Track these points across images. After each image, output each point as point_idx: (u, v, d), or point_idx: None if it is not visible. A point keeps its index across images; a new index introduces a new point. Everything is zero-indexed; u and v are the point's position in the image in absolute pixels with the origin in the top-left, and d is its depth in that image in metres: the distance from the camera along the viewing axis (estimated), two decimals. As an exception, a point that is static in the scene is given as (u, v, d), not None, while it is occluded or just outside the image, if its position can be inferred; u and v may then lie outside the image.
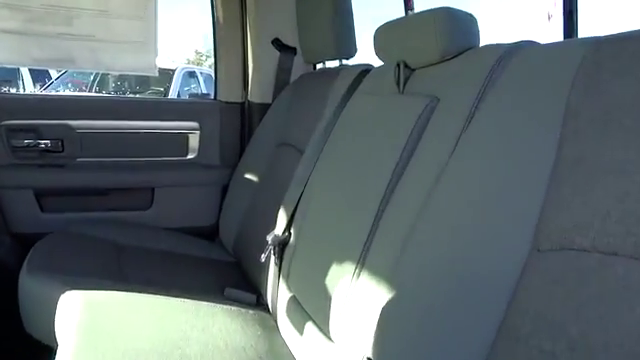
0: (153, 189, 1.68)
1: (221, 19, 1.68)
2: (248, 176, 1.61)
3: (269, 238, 1.09)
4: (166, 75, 6.75)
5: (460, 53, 0.83)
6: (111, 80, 7.02)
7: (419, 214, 0.69)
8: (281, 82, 1.67)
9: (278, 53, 1.68)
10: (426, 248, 0.66)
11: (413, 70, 0.92)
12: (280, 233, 1.11)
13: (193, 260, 1.48)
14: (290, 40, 1.67)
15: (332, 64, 1.50)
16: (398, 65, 0.91)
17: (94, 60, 1.58)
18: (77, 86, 6.85)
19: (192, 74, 7.33)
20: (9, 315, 1.43)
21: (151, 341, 0.88)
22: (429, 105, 0.80)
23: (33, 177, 1.57)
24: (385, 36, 0.98)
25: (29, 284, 1.10)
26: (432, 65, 0.87)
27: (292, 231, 1.09)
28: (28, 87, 6.71)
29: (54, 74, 8.24)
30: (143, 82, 6.74)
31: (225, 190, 1.73)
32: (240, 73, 1.75)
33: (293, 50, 1.67)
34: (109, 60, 1.60)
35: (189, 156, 1.75)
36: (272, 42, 1.65)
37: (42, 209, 1.59)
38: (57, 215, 1.60)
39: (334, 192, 0.95)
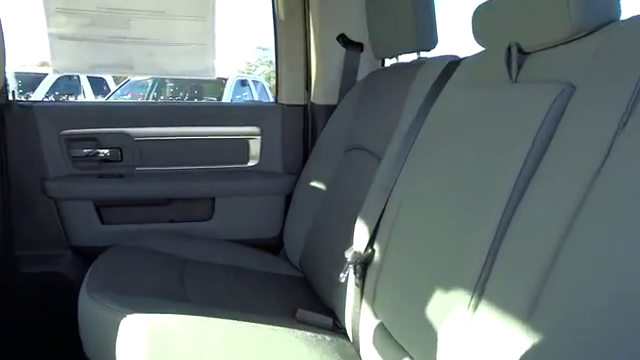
0: (214, 199, 1.59)
1: (282, 17, 1.57)
2: (314, 184, 1.48)
3: (348, 255, 0.96)
4: (219, 84, 6.82)
5: (597, 29, 0.66)
6: (167, 90, 7.17)
7: (567, 229, 0.53)
8: (347, 81, 1.54)
9: (344, 50, 1.55)
10: (584, 271, 0.51)
11: (527, 54, 0.76)
12: (362, 250, 0.97)
13: (258, 276, 1.37)
14: (356, 35, 1.53)
15: (404, 58, 1.35)
16: (509, 48, 0.75)
17: (152, 64, 1.51)
18: (135, 98, 7.03)
19: (244, 82, 7.36)
20: (69, 334, 1.37)
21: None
22: (562, 94, 0.63)
23: (93, 188, 1.51)
24: (489, 16, 0.82)
25: (89, 305, 1.02)
26: (555, 46, 0.71)
27: (375, 248, 0.95)
28: (89, 99, 6.95)
29: (112, 86, 8.53)
30: (197, 91, 6.82)
31: (289, 199, 1.62)
32: (302, 74, 1.63)
33: (360, 46, 1.53)
34: (167, 64, 1.52)
35: (250, 163, 1.65)
36: (337, 38, 1.53)
37: (102, 221, 1.53)
38: (117, 227, 1.54)
39: (432, 204, 0.80)
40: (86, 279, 1.12)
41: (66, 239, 1.52)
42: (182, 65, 1.53)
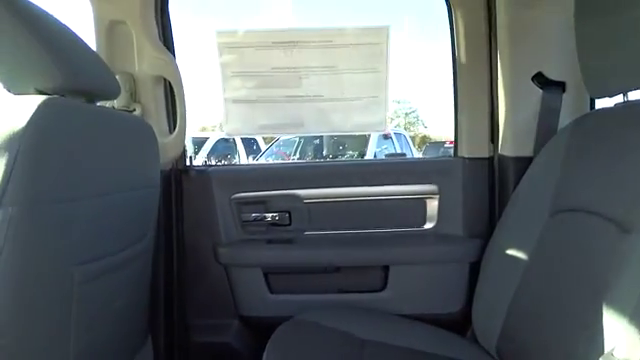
0: (387, 267, 1.41)
1: (464, 61, 1.39)
2: (511, 252, 1.22)
3: None
4: (362, 138, 6.85)
5: None
6: (310, 148, 7.41)
7: None
8: (546, 128, 1.29)
9: (540, 92, 1.31)
10: None
11: None
12: (622, 357, 0.70)
13: (449, 364, 1.14)
14: (554, 73, 1.29)
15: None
16: None
17: (323, 122, 1.43)
18: (280, 157, 7.38)
19: (386, 136, 7.32)
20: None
21: None
22: None
23: (262, 254, 1.44)
24: None
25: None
26: None
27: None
28: (242, 160, 7.46)
29: (263, 146, 9.12)
30: (341, 147, 6.93)
31: (473, 268, 1.37)
32: (486, 122, 1.42)
33: (562, 85, 1.28)
34: (338, 120, 1.43)
35: (427, 226, 1.45)
36: (532, 79, 1.30)
37: (270, 290, 1.44)
38: (284, 297, 1.44)
39: None
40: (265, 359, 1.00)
41: (235, 308, 1.46)
42: (354, 120, 1.42)
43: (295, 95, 1.41)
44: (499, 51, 1.34)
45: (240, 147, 8.69)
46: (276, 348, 1.07)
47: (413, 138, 13.34)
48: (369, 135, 6.75)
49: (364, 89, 1.41)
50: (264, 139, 9.87)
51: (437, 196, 1.44)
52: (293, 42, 1.38)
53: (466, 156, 1.45)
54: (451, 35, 1.41)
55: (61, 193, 0.81)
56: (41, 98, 0.79)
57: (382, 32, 1.38)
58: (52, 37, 0.87)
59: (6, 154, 0.72)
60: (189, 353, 1.44)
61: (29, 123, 0.74)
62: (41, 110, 0.77)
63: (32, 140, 0.74)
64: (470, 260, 1.39)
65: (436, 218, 1.44)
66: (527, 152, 1.32)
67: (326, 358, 1.05)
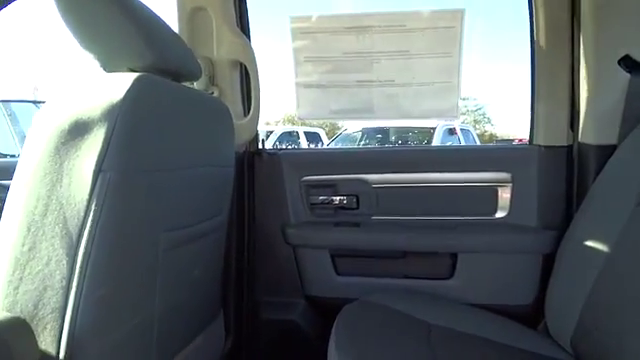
0: (455, 255, 1.40)
1: (544, 45, 1.34)
2: (590, 244, 1.17)
3: None
4: (426, 133, 6.75)
5: None
6: (372, 143, 7.39)
7: None
8: (634, 114, 1.22)
9: (627, 76, 1.23)
10: None
11: None
12: None
13: (519, 355, 1.11)
14: (644, 56, 1.21)
15: None
16: None
17: (393, 107, 1.43)
18: (344, 149, 7.39)
19: (452, 131, 7.16)
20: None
21: None
22: None
23: (329, 236, 1.46)
24: None
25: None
26: None
27: None
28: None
29: (325, 140, 9.19)
30: (403, 143, 6.85)
31: (547, 259, 1.33)
32: (566, 109, 1.36)
33: (651, 68, 1.21)
34: (409, 106, 1.42)
35: (498, 215, 1.41)
36: (619, 62, 1.23)
37: (336, 271, 1.46)
38: (350, 279, 1.45)
39: None
40: (334, 337, 1.02)
41: (301, 287, 1.49)
42: (424, 106, 1.41)
43: (366, 80, 1.42)
44: (582, 32, 1.27)
45: (303, 140, 8.83)
46: (343, 327, 1.09)
47: (480, 136, 12.94)
48: (433, 130, 6.64)
49: (436, 74, 1.39)
50: (327, 133, 9.93)
51: (510, 185, 1.40)
52: (365, 27, 1.38)
53: (542, 144, 1.39)
54: (530, 16, 1.36)
55: (150, 163, 0.87)
56: (135, 75, 0.85)
57: (457, 15, 1.35)
58: (144, 21, 0.94)
59: (106, 124, 0.79)
60: (257, 329, 1.49)
61: (125, 96, 0.81)
62: (136, 85, 0.83)
63: (128, 112, 0.80)
64: (544, 252, 1.34)
65: (508, 207, 1.40)
66: (611, 140, 1.25)
67: (393, 339, 1.06)
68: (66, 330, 0.79)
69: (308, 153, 1.73)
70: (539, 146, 1.40)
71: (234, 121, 1.24)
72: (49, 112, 0.83)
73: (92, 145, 0.79)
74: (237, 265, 1.45)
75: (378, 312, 1.19)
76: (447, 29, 1.35)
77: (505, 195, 1.40)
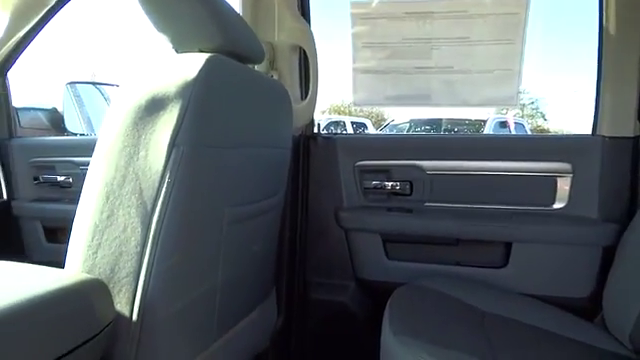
0: (510, 244, 1.38)
1: (612, 31, 1.29)
2: (654, 237, 1.14)
3: None
4: (477, 125, 6.60)
5: None
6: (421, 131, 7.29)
7: None
8: None
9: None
10: None
11: None
12: None
13: (575, 347, 1.09)
14: None
15: None
16: None
17: (451, 94, 1.42)
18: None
19: (503, 124, 6.97)
20: None
21: None
22: None
23: (381, 221, 1.48)
24: None
25: (394, 347, 0.92)
26: None
27: None
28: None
29: (372, 129, 9.14)
30: (454, 132, 6.74)
31: (607, 252, 1.29)
32: (634, 99, 1.31)
33: None
34: (467, 93, 1.41)
35: (556, 205, 1.39)
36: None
37: (387, 255, 1.48)
38: (401, 264, 1.47)
39: None
40: (388, 318, 1.04)
41: (352, 270, 1.52)
42: (483, 93, 1.39)
43: (424, 66, 1.42)
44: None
45: (349, 130, 8.82)
46: (397, 308, 1.11)
47: (533, 131, 12.50)
48: (485, 122, 6.48)
49: (496, 61, 1.37)
50: (373, 124, 9.87)
51: (570, 175, 1.36)
52: (426, 12, 1.38)
53: (606, 135, 1.35)
54: (599, 2, 1.31)
55: (217, 139, 0.92)
56: (206, 55, 0.89)
57: (521, 2, 1.32)
58: (214, 5, 0.97)
59: (180, 101, 0.83)
60: (307, 308, 1.53)
61: (198, 75, 0.85)
62: (207, 65, 0.87)
63: (200, 90, 0.85)
64: (604, 244, 1.31)
65: (567, 198, 1.37)
66: None
67: (446, 322, 1.07)
68: (139, 293, 0.85)
69: (363, 138, 1.75)
70: (603, 137, 1.35)
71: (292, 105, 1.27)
72: (128, 90, 0.88)
73: (167, 120, 0.83)
74: (290, 246, 1.49)
75: (431, 296, 1.20)
76: (511, 15, 1.33)
77: (564, 186, 1.37)
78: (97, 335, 0.80)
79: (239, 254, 1.07)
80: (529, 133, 7.22)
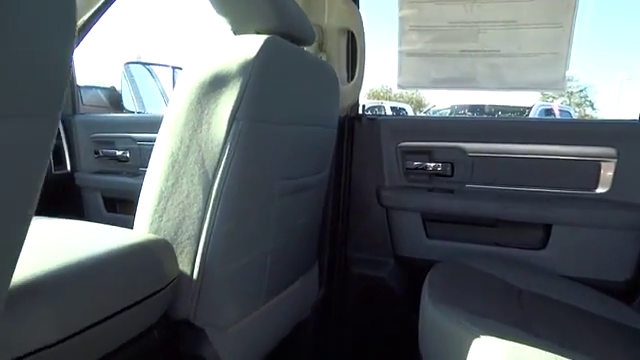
0: (550, 226, 1.40)
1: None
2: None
3: None
4: (521, 112, 6.46)
5: None
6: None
7: None
8: None
9: None
10: None
11: None
12: None
13: (610, 325, 1.12)
14: None
15: None
16: None
17: (496, 78, 1.44)
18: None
19: (549, 111, 6.79)
20: (395, 339, 1.38)
21: None
22: None
23: (422, 201, 1.52)
24: None
25: (433, 315, 0.98)
26: None
27: None
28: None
29: (411, 114, 9.06)
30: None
31: None
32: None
33: None
34: (513, 77, 1.42)
35: (599, 190, 1.39)
36: None
37: (427, 235, 1.52)
38: (440, 242, 1.51)
39: None
40: (427, 288, 1.09)
41: (392, 247, 1.57)
42: (529, 77, 1.40)
43: (470, 50, 1.44)
44: None
45: (388, 110, 8.78)
46: (436, 282, 1.16)
47: (580, 119, 12.07)
48: (529, 110, 6.34)
49: (543, 45, 1.38)
50: (413, 110, 9.78)
51: (614, 160, 1.36)
52: (474, -4, 1.40)
53: None
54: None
55: (273, 115, 0.98)
56: (264, 37, 0.96)
57: (572, -15, 1.32)
58: None
59: (241, 78, 0.90)
60: (347, 282, 1.60)
61: (257, 55, 0.91)
62: (265, 46, 0.93)
63: (259, 69, 0.91)
64: None
65: (610, 183, 1.37)
66: None
67: (484, 296, 1.11)
68: (199, 254, 0.94)
69: (406, 120, 1.78)
70: None
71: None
72: (192, 70, 0.96)
73: (228, 97, 0.91)
74: (332, 221, 1.56)
75: (469, 272, 1.24)
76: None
77: (608, 171, 1.37)
78: (163, 289, 0.90)
79: (287, 225, 1.14)
80: (575, 121, 7.01)
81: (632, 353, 1.02)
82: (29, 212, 0.51)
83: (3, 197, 0.48)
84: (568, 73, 1.41)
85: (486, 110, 6.82)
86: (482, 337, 0.83)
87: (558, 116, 6.80)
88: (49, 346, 0.64)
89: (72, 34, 0.50)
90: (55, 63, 0.50)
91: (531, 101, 6.67)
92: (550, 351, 0.84)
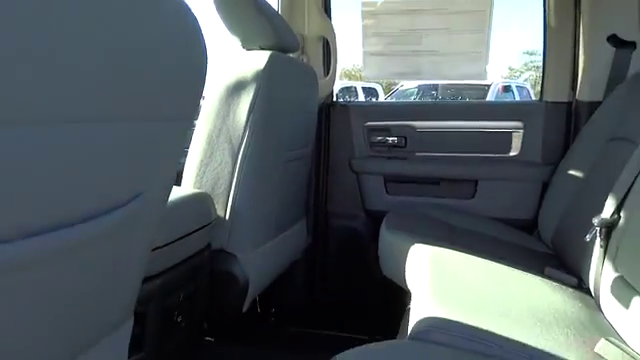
0: (477, 181, 1.89)
1: (553, 23, 1.77)
2: (572, 172, 1.64)
3: (595, 220, 1.13)
4: (482, 90, 7.00)
5: None
6: (428, 97, 7.72)
7: None
8: (615, 78, 1.64)
9: (613, 50, 1.65)
10: None
11: None
12: (608, 216, 1.13)
13: (515, 247, 1.61)
14: (628, 34, 1.62)
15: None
16: None
17: (435, 71, 1.91)
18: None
19: (507, 88, 7.37)
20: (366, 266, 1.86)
21: (486, 294, 1.07)
22: None
23: (383, 166, 2.00)
24: None
25: (388, 237, 1.46)
26: None
27: (622, 214, 1.10)
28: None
29: (382, 95, 9.52)
30: (460, 98, 7.16)
31: (545, 186, 1.80)
32: (569, 73, 1.79)
33: (632, 45, 1.62)
34: (447, 70, 1.90)
35: (511, 153, 1.89)
36: (608, 39, 1.64)
37: (387, 192, 2.00)
38: (398, 197, 1.99)
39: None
40: (384, 223, 1.57)
41: (362, 203, 2.04)
42: (459, 70, 1.88)
43: (417, 50, 1.90)
44: (582, 15, 1.69)
45: (360, 95, 9.22)
46: (391, 219, 1.63)
47: (536, 94, 12.73)
48: (488, 87, 6.89)
49: (469, 45, 1.85)
50: (383, 89, 10.22)
51: (522, 131, 1.86)
52: (417, 10, 1.85)
53: (550, 100, 1.84)
54: (543, 3, 1.78)
55: (278, 107, 1.43)
56: (268, 53, 1.39)
57: (486, 1, 1.79)
58: (268, 12, 1.47)
59: (254, 84, 1.34)
60: (328, 232, 2.07)
61: (265, 66, 1.35)
62: (270, 60, 1.37)
63: (267, 76, 1.35)
64: (543, 180, 1.82)
65: (519, 148, 1.87)
66: (598, 97, 1.69)
67: (424, 229, 1.58)
68: (230, 202, 1.38)
69: (370, 105, 2.25)
70: (546, 102, 1.84)
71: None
72: (218, 76, 1.39)
73: (247, 96, 1.35)
74: (316, 186, 2.02)
75: (416, 215, 1.73)
76: (479, 12, 1.80)
77: (517, 140, 1.87)
78: (206, 225, 1.34)
79: (287, 184, 1.60)
80: (531, 94, 7.62)
81: (534, 261, 1.50)
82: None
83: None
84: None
85: (440, 91, 7.36)
86: (417, 245, 1.31)
87: (514, 91, 7.40)
88: (159, 247, 1.08)
89: None
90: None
91: (491, 79, 7.23)
92: (466, 253, 1.31)
